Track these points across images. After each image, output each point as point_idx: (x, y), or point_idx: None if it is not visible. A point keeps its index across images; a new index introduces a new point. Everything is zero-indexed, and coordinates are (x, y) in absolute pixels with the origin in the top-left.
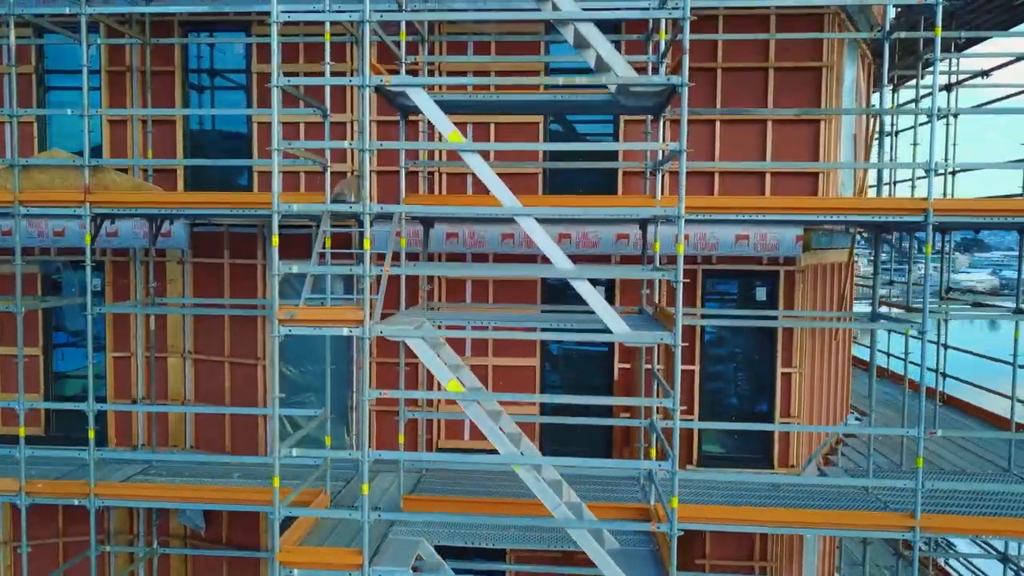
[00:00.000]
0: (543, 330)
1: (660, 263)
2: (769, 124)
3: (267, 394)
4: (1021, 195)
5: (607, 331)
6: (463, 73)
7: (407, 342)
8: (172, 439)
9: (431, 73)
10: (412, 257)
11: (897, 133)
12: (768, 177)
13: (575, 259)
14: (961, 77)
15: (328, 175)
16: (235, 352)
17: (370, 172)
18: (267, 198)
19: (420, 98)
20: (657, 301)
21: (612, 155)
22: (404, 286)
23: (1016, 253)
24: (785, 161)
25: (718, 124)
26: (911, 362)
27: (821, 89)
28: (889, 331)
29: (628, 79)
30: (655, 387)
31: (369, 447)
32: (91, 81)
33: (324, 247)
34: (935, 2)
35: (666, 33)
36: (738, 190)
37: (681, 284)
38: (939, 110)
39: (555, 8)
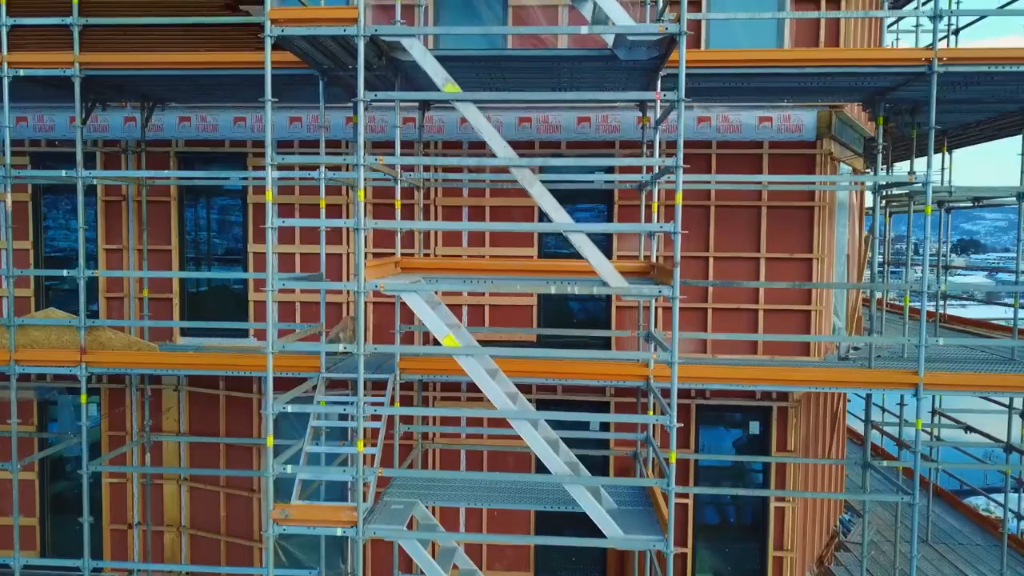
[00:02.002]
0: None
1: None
2: (763, 261)
3: (262, 525)
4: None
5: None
6: (459, 209)
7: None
8: (168, 561)
9: (427, 208)
10: (407, 387)
11: (891, 208)
12: (761, 314)
13: (568, 390)
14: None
15: (323, 338)
16: (231, 482)
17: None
18: (261, 360)
19: (414, 301)
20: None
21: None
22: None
23: (1012, 255)
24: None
25: (711, 260)
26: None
27: (814, 224)
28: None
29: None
30: None
31: None
32: (87, 208)
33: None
34: (925, 181)
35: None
36: (731, 321)
37: (674, 494)
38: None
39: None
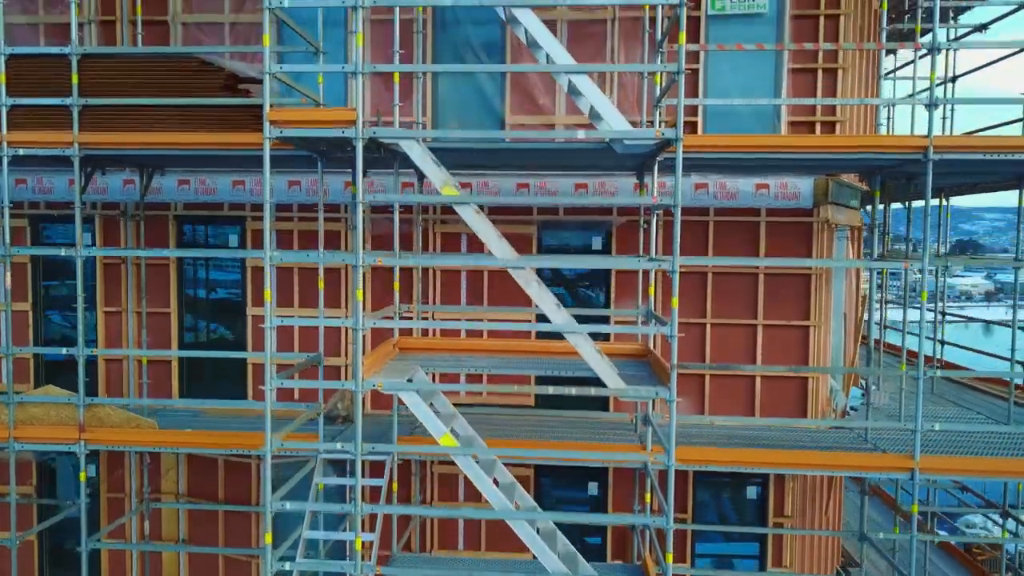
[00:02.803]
0: None
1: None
2: (760, 328)
3: None
4: None
5: None
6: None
7: None
8: None
9: (425, 272)
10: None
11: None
12: (759, 379)
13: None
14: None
15: (321, 418)
16: (230, 543)
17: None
18: (259, 439)
19: (411, 400)
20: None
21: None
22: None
23: (1011, 255)
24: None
25: (709, 326)
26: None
27: (811, 291)
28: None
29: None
30: None
31: None
32: (87, 271)
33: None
34: (921, 268)
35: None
36: (728, 385)
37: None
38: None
39: None
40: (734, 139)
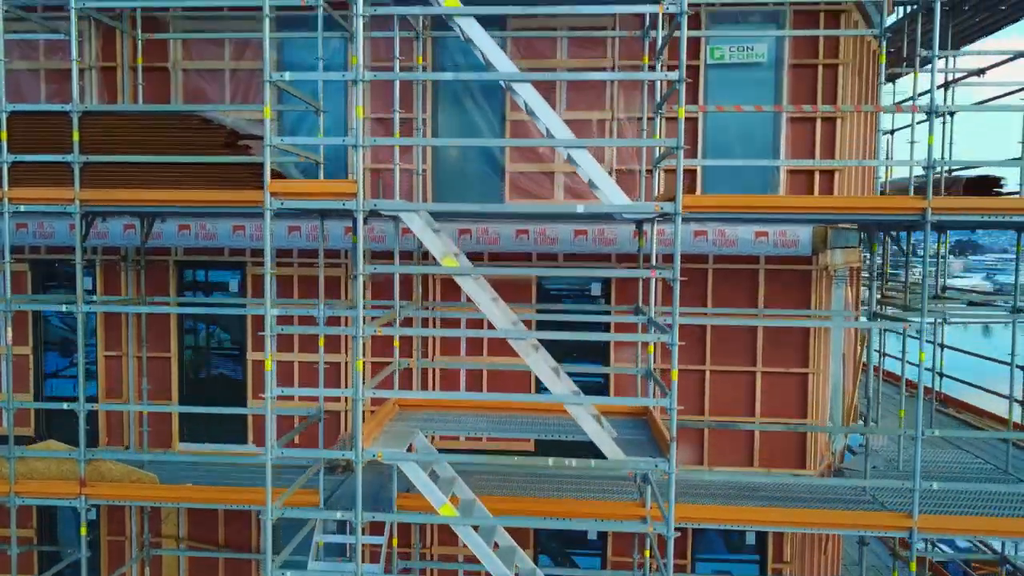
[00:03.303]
0: None
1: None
2: (759, 375)
3: None
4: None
5: None
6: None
7: None
8: None
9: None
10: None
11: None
12: (757, 432)
13: None
14: None
15: (321, 479)
16: None
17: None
18: (259, 495)
19: (411, 470)
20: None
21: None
22: None
23: (1011, 256)
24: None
25: (708, 373)
26: None
27: (810, 338)
28: None
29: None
30: None
31: None
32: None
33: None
34: (919, 328)
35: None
36: (727, 435)
37: None
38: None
39: None
40: (733, 200)
